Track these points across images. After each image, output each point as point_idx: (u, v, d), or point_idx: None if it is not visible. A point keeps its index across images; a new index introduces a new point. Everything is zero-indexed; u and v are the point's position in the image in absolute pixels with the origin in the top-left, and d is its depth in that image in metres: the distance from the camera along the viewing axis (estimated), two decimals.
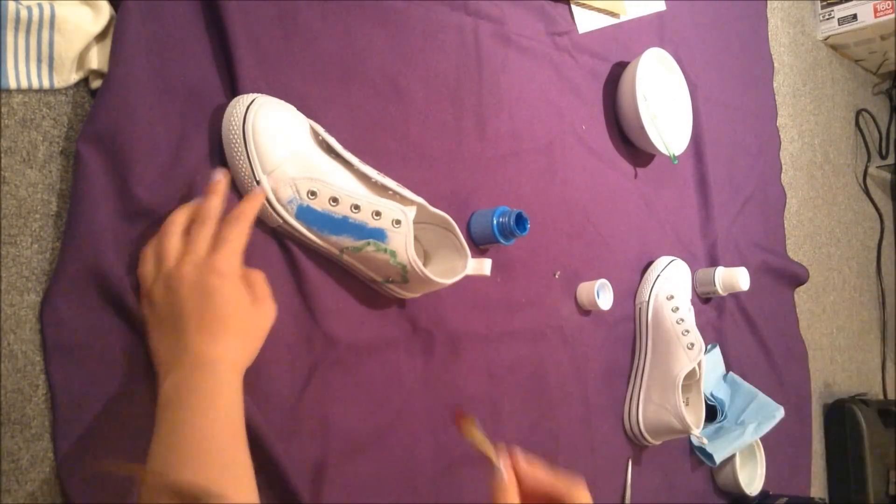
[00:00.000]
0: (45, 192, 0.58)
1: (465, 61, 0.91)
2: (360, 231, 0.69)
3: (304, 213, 0.68)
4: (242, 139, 0.65)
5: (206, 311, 0.56)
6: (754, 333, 1.35)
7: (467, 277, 0.77)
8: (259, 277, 0.63)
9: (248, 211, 0.62)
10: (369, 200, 0.69)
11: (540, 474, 0.59)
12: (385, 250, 0.70)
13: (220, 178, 0.63)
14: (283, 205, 0.68)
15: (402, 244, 0.70)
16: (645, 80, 1.09)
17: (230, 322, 0.57)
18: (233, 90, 0.69)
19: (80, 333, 0.58)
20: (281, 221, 0.68)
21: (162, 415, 0.53)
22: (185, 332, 0.56)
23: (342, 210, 0.68)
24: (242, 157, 0.66)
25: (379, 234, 0.70)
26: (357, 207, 0.68)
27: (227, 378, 0.55)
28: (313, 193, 0.67)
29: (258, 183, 0.66)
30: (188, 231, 0.60)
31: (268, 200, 0.67)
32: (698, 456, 1.16)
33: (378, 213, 0.69)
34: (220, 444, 0.51)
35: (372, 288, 0.77)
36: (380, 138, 0.81)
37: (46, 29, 0.58)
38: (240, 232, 0.60)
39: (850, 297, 1.78)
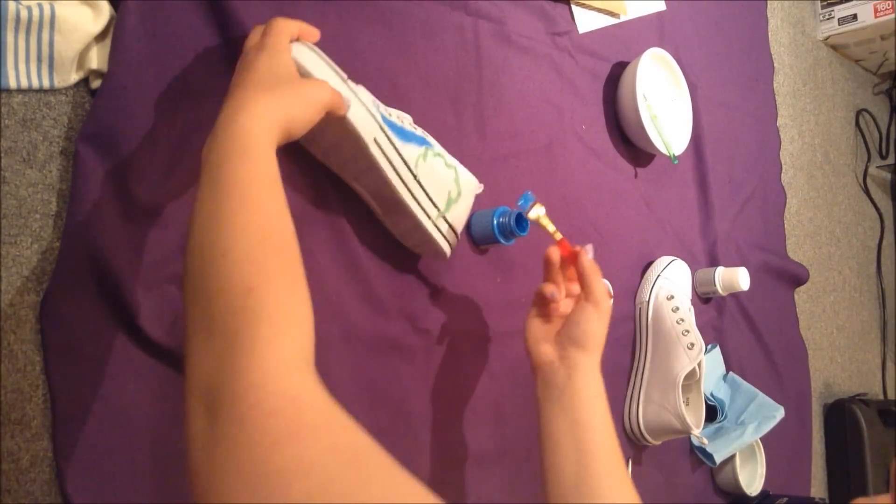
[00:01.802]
0: (45, 192, 0.58)
1: (465, 61, 0.91)
2: (416, 138, 0.72)
3: (386, 121, 0.69)
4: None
5: (239, 75, 0.58)
6: (754, 333, 1.35)
7: (467, 278, 0.77)
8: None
9: (293, 22, 0.64)
10: (395, 112, 0.72)
11: (585, 263, 0.73)
12: (437, 154, 0.73)
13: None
14: (371, 112, 0.68)
15: (440, 146, 0.74)
16: (645, 80, 1.09)
17: (258, 79, 0.56)
18: None
19: (80, 333, 0.58)
20: (378, 127, 0.68)
21: (200, 182, 0.51)
22: (224, 100, 0.56)
23: (397, 120, 0.70)
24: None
25: (426, 141, 0.73)
26: (400, 118, 0.71)
27: (253, 131, 0.52)
28: (376, 103, 0.69)
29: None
30: None
31: (363, 102, 0.67)
32: (698, 456, 1.16)
33: (412, 123, 0.72)
34: (255, 199, 0.50)
35: (371, 288, 0.77)
36: None
37: (46, 29, 0.58)
38: (282, 25, 0.62)
39: (850, 297, 1.78)
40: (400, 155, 0.70)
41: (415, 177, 0.71)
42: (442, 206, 0.75)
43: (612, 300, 0.75)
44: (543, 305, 0.76)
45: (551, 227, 0.77)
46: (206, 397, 0.41)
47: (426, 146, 0.73)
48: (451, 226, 0.77)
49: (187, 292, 0.47)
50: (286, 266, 0.48)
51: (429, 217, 0.74)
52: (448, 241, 0.77)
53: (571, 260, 0.75)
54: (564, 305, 0.76)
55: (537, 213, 0.78)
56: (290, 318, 0.45)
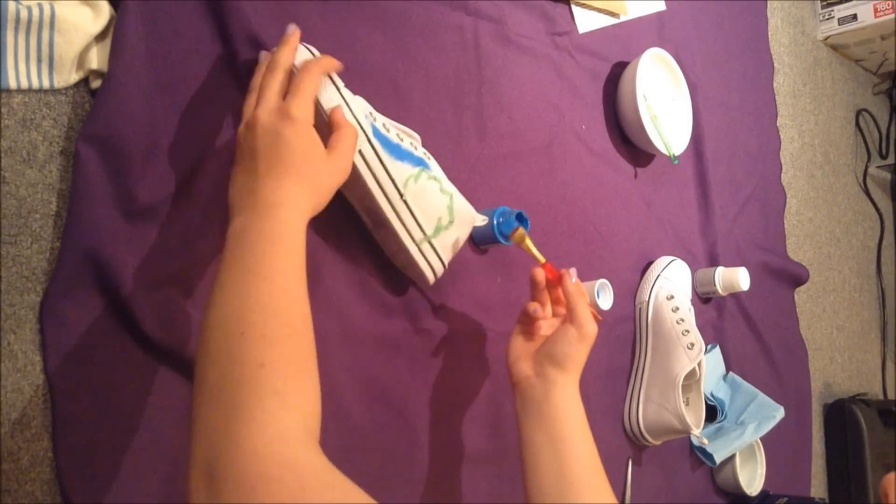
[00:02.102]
0: (44, 192, 0.58)
1: (465, 61, 0.91)
2: (412, 158, 0.70)
3: (377, 134, 0.68)
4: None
5: (273, 155, 0.57)
6: (754, 333, 1.35)
7: (467, 278, 0.77)
8: (343, 132, 0.62)
9: (323, 61, 0.64)
10: (400, 128, 0.70)
11: (569, 285, 0.73)
12: (433, 178, 0.71)
13: (293, 31, 0.65)
14: (360, 122, 0.67)
15: (440, 171, 0.72)
16: (645, 80, 1.09)
17: (297, 167, 0.57)
18: (233, 90, 0.69)
19: (79, 333, 0.58)
20: (365, 139, 0.67)
21: (227, 256, 0.53)
22: (255, 174, 0.57)
23: (394, 137, 0.69)
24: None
25: (424, 162, 0.71)
26: (399, 136, 0.70)
27: (290, 222, 0.55)
28: (373, 115, 0.68)
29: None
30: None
31: (352, 112, 0.67)
32: (698, 456, 1.16)
33: (413, 143, 0.71)
34: (281, 286, 0.51)
35: (372, 287, 0.77)
36: None
37: (46, 29, 0.58)
38: (312, 80, 0.61)
39: (850, 297, 1.78)
40: (386, 169, 0.69)
41: (401, 195, 0.70)
42: (429, 231, 0.73)
43: (597, 326, 0.73)
44: (528, 324, 0.77)
45: (535, 251, 0.78)
46: (208, 467, 0.42)
47: (421, 167, 0.71)
48: (437, 252, 0.75)
49: (201, 363, 0.48)
50: (299, 345, 0.50)
51: (412, 239, 0.73)
52: (432, 268, 0.76)
53: (557, 282, 0.76)
54: (548, 326, 0.76)
55: (521, 237, 0.78)
56: (296, 394, 0.46)
